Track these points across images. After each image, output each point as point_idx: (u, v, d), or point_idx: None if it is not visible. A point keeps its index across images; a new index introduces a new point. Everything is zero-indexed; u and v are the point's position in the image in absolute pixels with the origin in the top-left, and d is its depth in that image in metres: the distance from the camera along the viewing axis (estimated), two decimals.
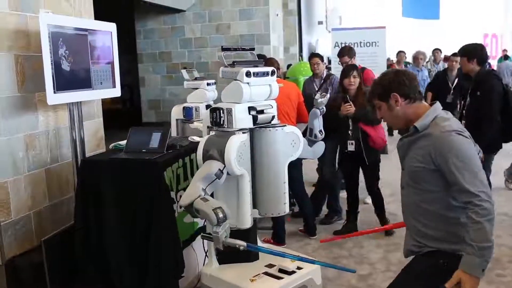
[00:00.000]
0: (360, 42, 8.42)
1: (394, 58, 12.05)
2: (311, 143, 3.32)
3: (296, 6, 13.83)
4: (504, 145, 4.81)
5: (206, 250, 3.32)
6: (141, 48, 10.79)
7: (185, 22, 10.32)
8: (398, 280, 2.41)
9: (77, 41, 3.56)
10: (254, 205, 3.00)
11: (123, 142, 3.46)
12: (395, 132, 9.29)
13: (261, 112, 2.93)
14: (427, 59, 10.85)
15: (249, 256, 3.06)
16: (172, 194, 3.29)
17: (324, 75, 5.78)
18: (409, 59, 11.44)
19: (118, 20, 4.23)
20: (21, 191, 3.46)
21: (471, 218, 2.04)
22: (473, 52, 4.67)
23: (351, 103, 4.58)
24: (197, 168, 2.94)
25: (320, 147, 3.40)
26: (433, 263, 2.24)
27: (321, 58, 5.89)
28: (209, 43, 10.19)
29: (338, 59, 5.97)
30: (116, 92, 4.06)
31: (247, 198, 2.91)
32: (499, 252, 4.16)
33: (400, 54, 10.85)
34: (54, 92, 3.30)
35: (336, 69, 7.40)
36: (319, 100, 3.26)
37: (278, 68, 4.57)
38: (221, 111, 2.88)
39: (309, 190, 5.15)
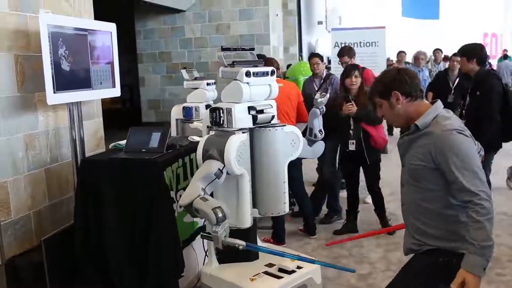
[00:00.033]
0: (360, 42, 8.42)
1: (393, 58, 12.06)
2: (311, 142, 3.32)
3: (295, 6, 13.83)
4: (504, 144, 4.82)
5: (206, 250, 3.32)
6: (141, 48, 10.79)
7: (185, 22, 10.32)
8: (398, 279, 2.41)
9: (77, 41, 3.56)
10: (254, 205, 3.00)
11: (123, 142, 3.46)
12: (395, 131, 9.29)
13: (261, 112, 2.93)
14: (427, 59, 10.84)
15: (249, 255, 3.07)
16: (172, 193, 3.30)
17: (324, 75, 5.79)
18: (408, 59, 11.43)
19: (118, 20, 4.23)
20: (21, 191, 3.46)
21: (471, 217, 2.04)
22: (473, 52, 4.67)
23: (353, 102, 4.58)
24: (197, 168, 2.94)
25: (319, 146, 3.40)
26: (433, 261, 2.24)
27: (321, 58, 5.89)
28: (209, 43, 10.18)
29: (338, 59, 5.97)
30: (116, 92, 4.06)
31: (247, 197, 2.91)
32: (499, 251, 4.16)
33: (401, 54, 10.85)
34: (54, 92, 3.30)
35: (336, 69, 7.40)
36: (319, 99, 3.27)
37: (277, 68, 4.57)
38: (221, 111, 2.89)
39: (309, 190, 5.15)
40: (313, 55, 5.99)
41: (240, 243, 2.61)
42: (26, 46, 3.48)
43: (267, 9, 9.95)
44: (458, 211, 2.16)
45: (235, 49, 3.06)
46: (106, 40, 3.91)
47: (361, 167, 4.87)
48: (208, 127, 2.99)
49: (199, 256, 3.62)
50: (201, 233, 2.94)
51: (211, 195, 2.81)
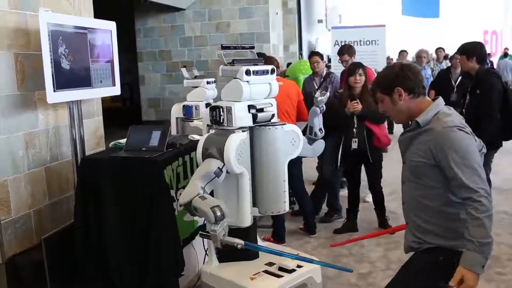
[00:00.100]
0: (360, 41, 8.43)
1: (394, 57, 12.06)
2: (311, 141, 3.31)
3: (295, 4, 13.83)
4: (504, 143, 4.81)
5: (206, 249, 3.32)
6: (141, 47, 10.78)
7: (185, 20, 10.31)
8: (398, 277, 2.42)
9: (76, 40, 3.55)
10: (254, 204, 3.00)
11: (123, 141, 3.46)
12: (395, 130, 9.28)
13: (261, 110, 2.93)
14: (429, 58, 10.81)
15: (249, 254, 3.07)
16: (172, 192, 3.30)
17: (324, 73, 5.78)
18: (409, 57, 11.41)
19: (118, 19, 4.23)
20: (21, 189, 3.46)
21: (471, 214, 2.04)
22: (472, 50, 4.67)
23: (358, 100, 4.57)
24: (197, 167, 2.94)
25: (320, 145, 3.40)
26: (433, 259, 2.25)
27: (321, 56, 5.89)
28: (209, 42, 10.17)
29: (338, 57, 5.97)
30: (116, 90, 4.06)
31: (247, 196, 2.91)
32: (499, 250, 4.16)
33: (403, 53, 10.84)
34: (54, 91, 3.30)
35: (336, 68, 7.40)
36: (319, 98, 3.26)
37: (277, 67, 4.57)
38: (221, 109, 2.88)
39: (309, 189, 5.15)
40: (313, 54, 5.99)
41: (239, 242, 2.60)
42: (26, 45, 3.47)
43: (267, 8, 9.94)
44: (458, 208, 2.16)
45: (235, 48, 3.05)
46: (106, 39, 3.90)
47: (362, 166, 4.87)
48: (208, 125, 2.99)
49: (199, 255, 3.63)
50: (200, 232, 2.93)
51: (211, 194, 2.80)
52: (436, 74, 8.64)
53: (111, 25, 3.97)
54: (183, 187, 3.32)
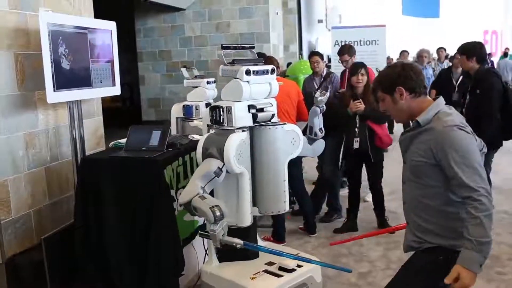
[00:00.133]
0: (360, 41, 8.42)
1: (394, 57, 12.05)
2: (311, 141, 3.32)
3: (296, 4, 13.82)
4: (504, 142, 4.81)
5: (206, 248, 3.32)
6: (141, 47, 10.78)
7: (185, 20, 10.31)
8: (398, 277, 2.42)
9: (76, 40, 3.56)
10: (254, 203, 3.00)
11: (123, 141, 3.46)
12: (395, 130, 9.28)
13: (261, 110, 2.93)
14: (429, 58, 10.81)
15: (249, 254, 3.07)
16: (172, 192, 3.30)
17: (324, 73, 5.78)
18: (410, 57, 11.41)
19: (118, 19, 4.23)
20: (21, 189, 3.46)
21: (470, 213, 2.04)
22: (472, 50, 4.67)
23: (360, 100, 4.57)
24: (197, 166, 2.94)
25: (320, 145, 3.40)
26: (433, 259, 2.24)
27: (321, 56, 5.89)
28: (209, 42, 10.17)
29: (338, 57, 5.97)
30: (116, 90, 4.06)
31: (247, 196, 2.91)
32: (499, 250, 4.16)
33: (404, 53, 10.82)
34: (54, 91, 3.30)
35: (336, 68, 7.40)
36: (319, 98, 3.26)
37: (277, 67, 4.57)
38: (221, 109, 2.88)
39: (309, 188, 5.15)
40: (313, 54, 5.99)
41: (238, 242, 2.61)
42: (26, 45, 3.48)
43: (267, 8, 9.94)
44: (458, 208, 2.16)
45: (235, 48, 3.05)
46: (106, 39, 3.90)
47: (364, 165, 4.87)
48: (208, 125, 2.99)
49: (199, 254, 3.63)
50: (199, 231, 2.93)
51: (211, 193, 2.81)
52: (437, 74, 8.63)
53: (111, 25, 3.97)
54: (183, 187, 3.32)
